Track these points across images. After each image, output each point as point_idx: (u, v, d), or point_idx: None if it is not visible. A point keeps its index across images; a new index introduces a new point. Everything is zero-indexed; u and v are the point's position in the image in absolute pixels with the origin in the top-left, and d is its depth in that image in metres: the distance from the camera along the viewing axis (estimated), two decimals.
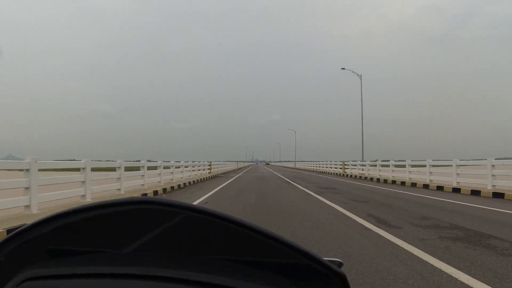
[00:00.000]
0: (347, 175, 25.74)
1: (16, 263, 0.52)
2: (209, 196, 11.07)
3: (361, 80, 28.75)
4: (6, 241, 0.52)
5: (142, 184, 12.32)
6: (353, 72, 29.01)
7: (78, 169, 8.59)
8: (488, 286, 3.01)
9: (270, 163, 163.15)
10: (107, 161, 11.11)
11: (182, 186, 15.27)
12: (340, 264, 0.58)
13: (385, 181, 18.36)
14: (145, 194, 11.04)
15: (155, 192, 11.97)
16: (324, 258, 0.49)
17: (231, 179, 21.16)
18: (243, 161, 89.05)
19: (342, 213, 7.32)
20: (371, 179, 20.43)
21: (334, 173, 29.52)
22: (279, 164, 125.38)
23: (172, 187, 14.04)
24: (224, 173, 31.43)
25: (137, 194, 10.48)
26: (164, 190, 12.89)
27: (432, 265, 3.63)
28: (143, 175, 12.38)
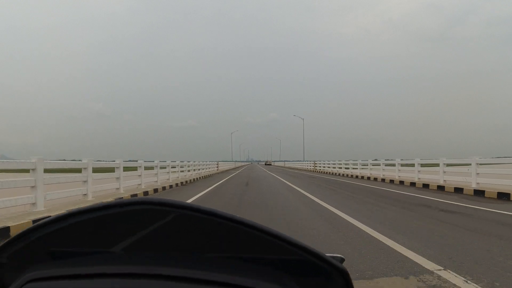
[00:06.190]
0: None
1: (19, 265, 0.52)
2: None
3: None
4: (9, 243, 0.52)
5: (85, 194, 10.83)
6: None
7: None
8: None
9: (272, 163, 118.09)
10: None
11: None
12: (342, 260, 0.58)
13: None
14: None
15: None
16: (326, 254, 0.49)
17: None
18: (227, 161, 62.31)
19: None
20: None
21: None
22: (281, 164, 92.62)
23: None
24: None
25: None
26: None
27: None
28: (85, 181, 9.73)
